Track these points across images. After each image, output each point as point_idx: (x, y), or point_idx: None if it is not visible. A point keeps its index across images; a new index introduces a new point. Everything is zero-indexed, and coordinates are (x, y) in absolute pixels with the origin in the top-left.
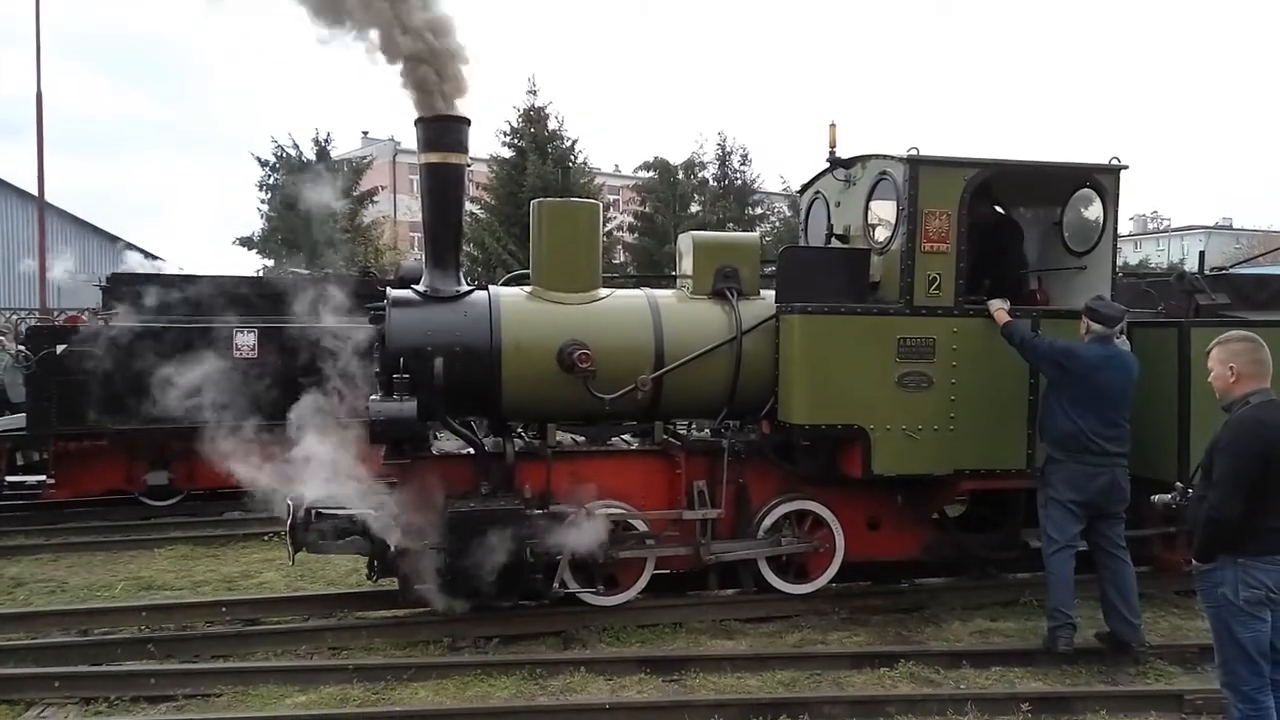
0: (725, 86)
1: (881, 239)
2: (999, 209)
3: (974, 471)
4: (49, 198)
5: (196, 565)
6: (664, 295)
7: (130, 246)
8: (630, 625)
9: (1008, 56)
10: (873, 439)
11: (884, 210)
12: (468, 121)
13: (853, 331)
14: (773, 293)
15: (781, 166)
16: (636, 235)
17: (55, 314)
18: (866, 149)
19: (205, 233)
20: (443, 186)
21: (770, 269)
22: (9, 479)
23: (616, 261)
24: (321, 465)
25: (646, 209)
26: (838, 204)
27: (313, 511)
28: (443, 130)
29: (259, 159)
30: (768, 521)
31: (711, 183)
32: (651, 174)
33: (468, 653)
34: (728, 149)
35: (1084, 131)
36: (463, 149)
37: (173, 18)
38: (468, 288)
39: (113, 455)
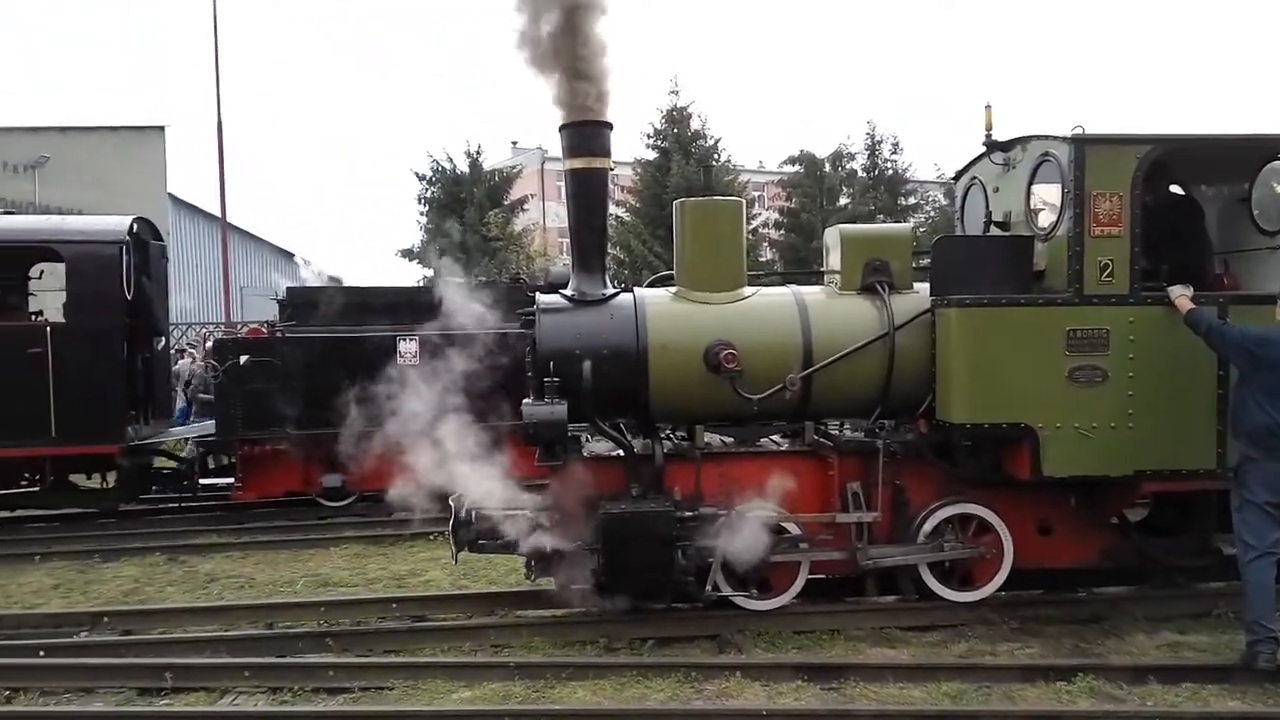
0: (872, 74)
1: (1045, 225)
2: (1177, 188)
3: (1156, 472)
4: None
5: (369, 563)
6: (811, 292)
7: (303, 261)
8: (786, 630)
9: (1186, 21)
10: (1041, 438)
11: (1048, 194)
12: (610, 125)
13: (1016, 324)
14: (927, 285)
15: (936, 154)
16: (783, 232)
17: (239, 327)
18: (1026, 130)
19: (363, 245)
20: (587, 191)
21: (924, 261)
22: (202, 481)
23: (763, 259)
24: (480, 467)
25: (792, 204)
26: (996, 189)
27: (472, 512)
28: (586, 135)
29: (416, 174)
30: (928, 526)
31: (861, 174)
32: (797, 168)
33: (624, 654)
34: (877, 138)
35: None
36: (606, 153)
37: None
38: (613, 290)
39: (291, 459)
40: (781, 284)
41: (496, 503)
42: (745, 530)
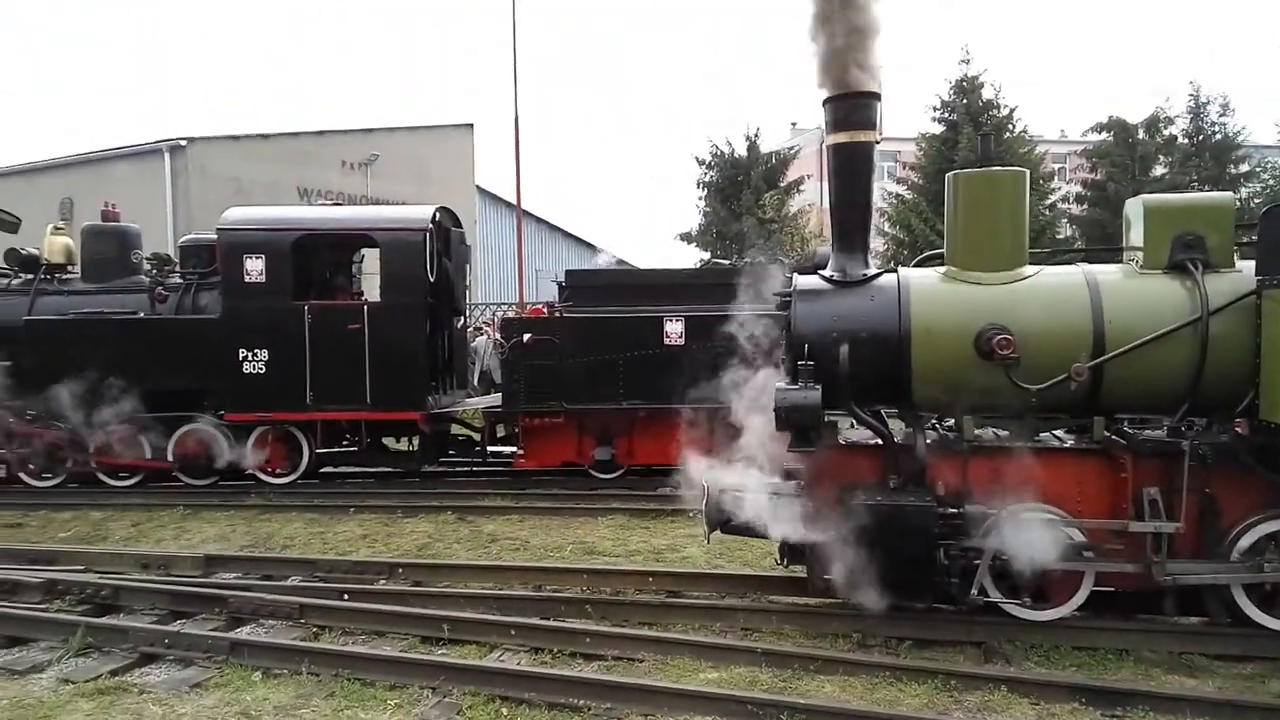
0: (1195, 27)
1: None
2: None
3: None
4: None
5: (631, 535)
6: (1106, 271)
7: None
8: (1064, 645)
9: None
10: None
11: None
12: (877, 96)
13: None
14: (1252, 264)
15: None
16: (1085, 206)
17: (527, 307)
18: None
19: (648, 229)
20: (850, 167)
21: (1251, 236)
22: (490, 449)
23: (1060, 236)
24: (737, 448)
25: (1098, 176)
26: None
27: (725, 493)
28: (850, 107)
29: (696, 159)
30: (1245, 541)
31: (1181, 139)
32: (1104, 136)
33: (878, 652)
34: (1202, 99)
35: None
36: (871, 125)
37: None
38: (876, 271)
39: (567, 432)
40: (1073, 263)
41: (749, 484)
42: (1020, 533)
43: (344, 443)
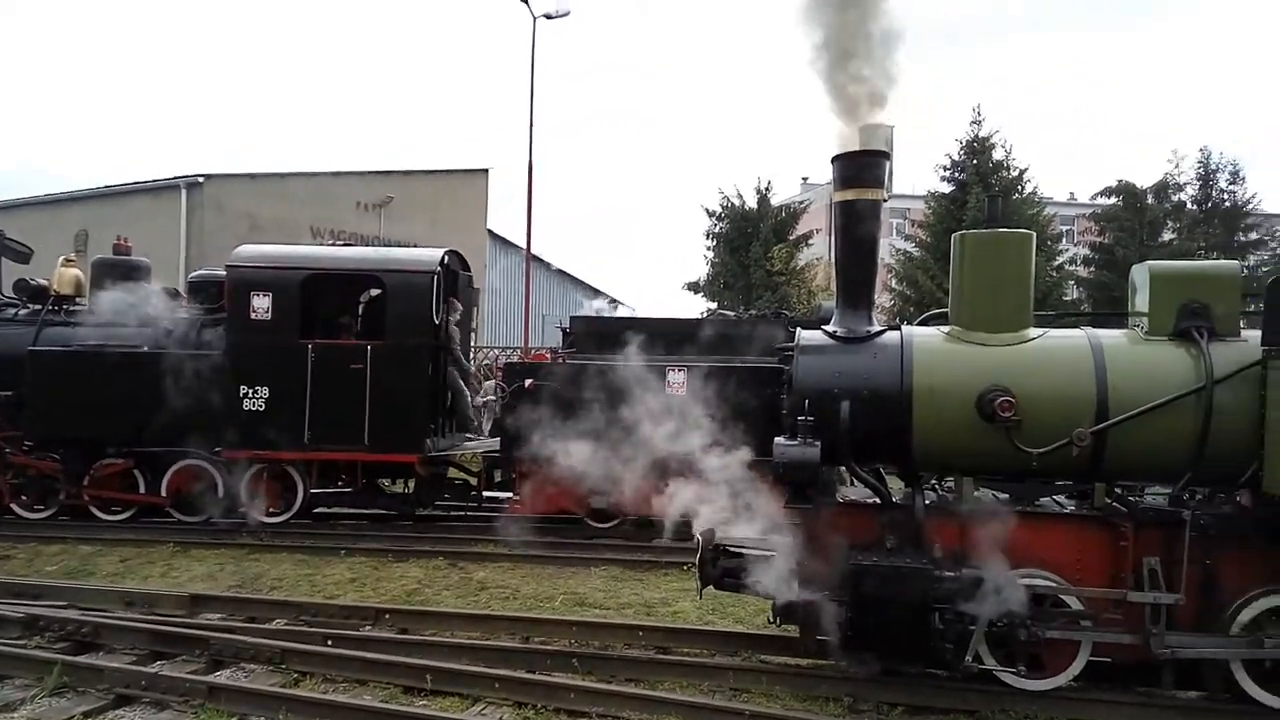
0: (1209, 94)
1: None
2: None
3: None
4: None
5: (623, 587)
6: (1111, 336)
7: (598, 293)
8: (1059, 716)
9: None
10: None
11: None
12: (885, 155)
13: None
14: (1259, 333)
15: None
16: (1093, 269)
17: (530, 352)
18: None
19: (654, 277)
20: (857, 223)
21: (1258, 304)
22: (485, 493)
23: (1067, 298)
24: (731, 503)
25: (1106, 239)
26: None
27: (719, 548)
28: (859, 166)
29: (706, 209)
30: (1245, 616)
31: (1190, 206)
32: (1114, 200)
33: (868, 717)
34: (1212, 166)
35: None
36: (879, 184)
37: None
38: (879, 328)
39: (564, 479)
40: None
41: (743, 540)
42: (1016, 599)
43: (339, 483)
